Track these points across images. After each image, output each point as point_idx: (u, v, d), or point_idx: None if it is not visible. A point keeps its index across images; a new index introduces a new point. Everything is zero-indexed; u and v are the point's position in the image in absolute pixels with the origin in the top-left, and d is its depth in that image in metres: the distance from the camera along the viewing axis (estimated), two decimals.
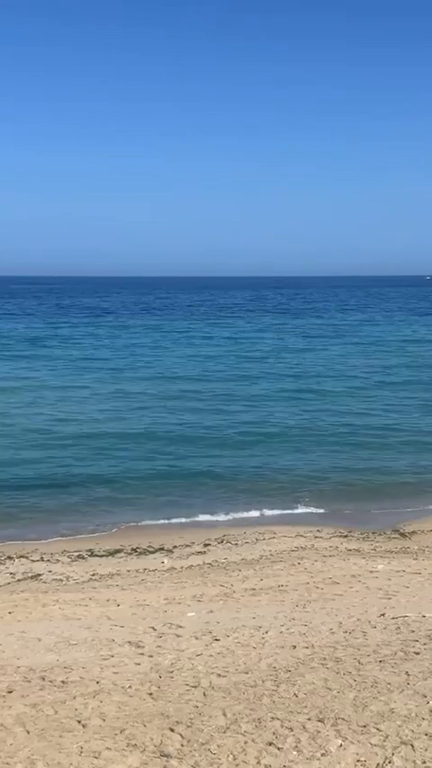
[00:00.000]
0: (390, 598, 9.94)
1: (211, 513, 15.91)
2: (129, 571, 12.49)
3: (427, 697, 6.15)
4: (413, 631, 8.11)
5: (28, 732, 5.78)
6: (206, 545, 13.96)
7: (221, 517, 15.78)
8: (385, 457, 20.52)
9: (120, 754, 5.37)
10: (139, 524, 15.37)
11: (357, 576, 11.41)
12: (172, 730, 5.69)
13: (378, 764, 5.13)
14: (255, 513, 16.00)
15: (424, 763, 5.15)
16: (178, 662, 7.40)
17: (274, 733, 5.60)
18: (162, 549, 13.80)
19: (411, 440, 22.32)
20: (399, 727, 5.62)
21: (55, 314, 79.45)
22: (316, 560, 12.64)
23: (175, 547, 13.89)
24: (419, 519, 15.86)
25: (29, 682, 6.96)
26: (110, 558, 13.36)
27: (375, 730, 5.58)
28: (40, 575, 12.30)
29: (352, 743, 5.39)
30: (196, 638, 8.27)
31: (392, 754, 5.24)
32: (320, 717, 5.83)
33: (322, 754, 5.26)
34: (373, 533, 14.86)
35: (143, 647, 8.05)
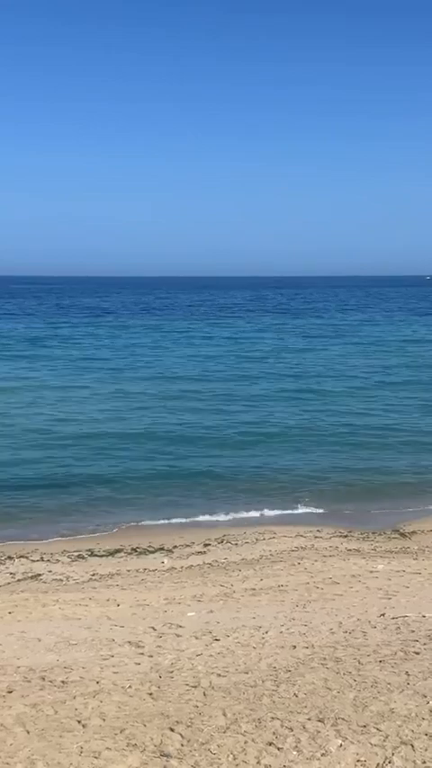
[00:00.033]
0: (390, 598, 9.94)
1: (211, 513, 15.92)
2: (129, 571, 12.49)
3: (427, 697, 6.15)
4: (413, 631, 8.11)
5: (28, 732, 5.78)
6: (206, 545, 13.96)
7: (221, 517, 15.78)
8: (385, 457, 20.53)
9: (120, 754, 5.37)
10: (140, 524, 15.37)
11: (357, 576, 11.41)
12: (172, 730, 5.70)
13: (378, 764, 5.13)
14: (255, 513, 16.01)
15: (424, 763, 5.15)
16: (178, 662, 7.40)
17: (274, 733, 5.60)
18: (162, 548, 13.80)
19: (411, 440, 22.32)
20: (399, 727, 5.62)
21: (55, 314, 79.44)
22: (316, 560, 12.64)
23: (175, 547, 13.89)
24: (419, 519, 15.87)
25: (29, 682, 6.96)
26: (110, 557, 13.36)
27: (375, 730, 5.58)
28: (40, 575, 12.30)
29: (352, 743, 5.40)
30: (196, 638, 8.27)
31: (392, 754, 5.25)
32: (320, 717, 5.83)
33: (322, 754, 5.26)
34: (373, 533, 14.86)
35: (143, 646, 8.05)
